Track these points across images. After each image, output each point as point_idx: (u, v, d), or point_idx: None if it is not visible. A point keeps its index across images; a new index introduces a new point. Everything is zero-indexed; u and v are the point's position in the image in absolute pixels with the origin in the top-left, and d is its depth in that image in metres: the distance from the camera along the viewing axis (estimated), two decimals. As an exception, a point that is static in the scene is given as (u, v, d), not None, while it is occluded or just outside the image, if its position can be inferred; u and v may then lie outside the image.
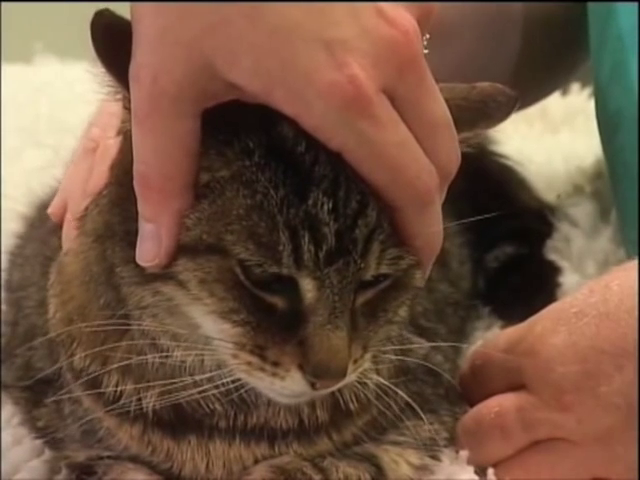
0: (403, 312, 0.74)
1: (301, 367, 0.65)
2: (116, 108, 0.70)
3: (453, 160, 0.68)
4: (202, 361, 0.70)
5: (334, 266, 0.64)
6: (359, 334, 0.67)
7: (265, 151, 0.64)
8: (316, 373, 0.65)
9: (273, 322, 0.65)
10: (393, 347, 0.75)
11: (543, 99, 1.46)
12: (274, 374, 0.66)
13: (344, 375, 0.66)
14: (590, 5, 1.11)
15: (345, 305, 0.65)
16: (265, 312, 0.65)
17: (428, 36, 0.70)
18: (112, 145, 0.76)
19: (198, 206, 0.65)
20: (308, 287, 0.64)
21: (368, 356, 0.69)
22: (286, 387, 0.66)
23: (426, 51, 0.67)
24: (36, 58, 1.99)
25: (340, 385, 0.68)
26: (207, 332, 0.68)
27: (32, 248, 0.91)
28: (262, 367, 0.66)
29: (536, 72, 1.28)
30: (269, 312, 0.66)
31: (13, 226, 1.03)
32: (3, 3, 2.21)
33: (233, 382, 0.69)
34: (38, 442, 0.81)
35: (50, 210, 0.87)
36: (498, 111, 0.71)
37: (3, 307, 0.94)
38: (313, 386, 0.66)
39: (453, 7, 1.15)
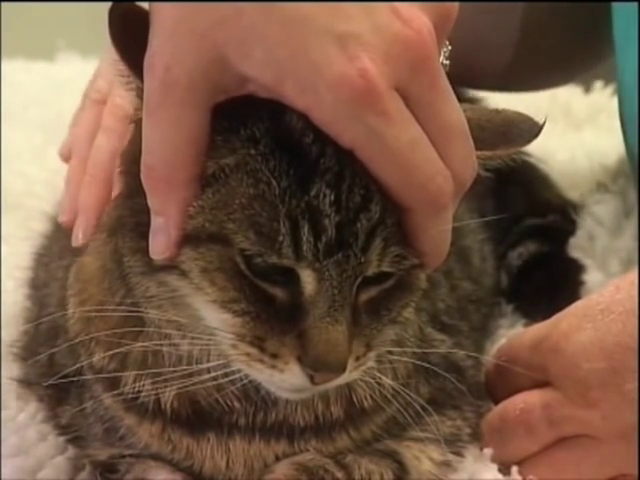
0: (407, 313, 0.73)
1: (300, 360, 0.65)
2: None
3: (469, 169, 0.67)
4: (209, 353, 0.70)
5: (334, 258, 0.64)
6: (361, 331, 0.67)
7: (271, 141, 0.64)
8: (314, 366, 0.65)
9: (273, 314, 0.65)
10: (411, 346, 0.75)
11: (556, 86, 1.45)
12: (273, 366, 0.66)
13: (343, 369, 0.66)
14: (615, 4, 1.10)
15: (345, 299, 0.65)
16: (265, 303, 0.65)
17: (450, 47, 0.70)
18: (120, 102, 0.79)
19: (202, 194, 0.65)
20: (308, 279, 0.64)
21: (372, 355, 0.69)
22: (285, 380, 0.66)
23: (447, 62, 0.66)
24: (59, 55, 2.00)
25: (341, 381, 0.68)
26: (209, 323, 0.68)
27: (58, 247, 0.91)
28: (261, 359, 0.66)
29: (540, 53, 1.25)
30: (269, 303, 0.66)
31: (39, 226, 1.04)
32: (26, 2, 2.22)
33: (239, 371, 0.69)
34: (62, 439, 0.82)
35: (59, 149, 0.89)
36: (520, 137, 0.71)
37: (27, 305, 0.95)
38: (312, 380, 0.66)
39: None
